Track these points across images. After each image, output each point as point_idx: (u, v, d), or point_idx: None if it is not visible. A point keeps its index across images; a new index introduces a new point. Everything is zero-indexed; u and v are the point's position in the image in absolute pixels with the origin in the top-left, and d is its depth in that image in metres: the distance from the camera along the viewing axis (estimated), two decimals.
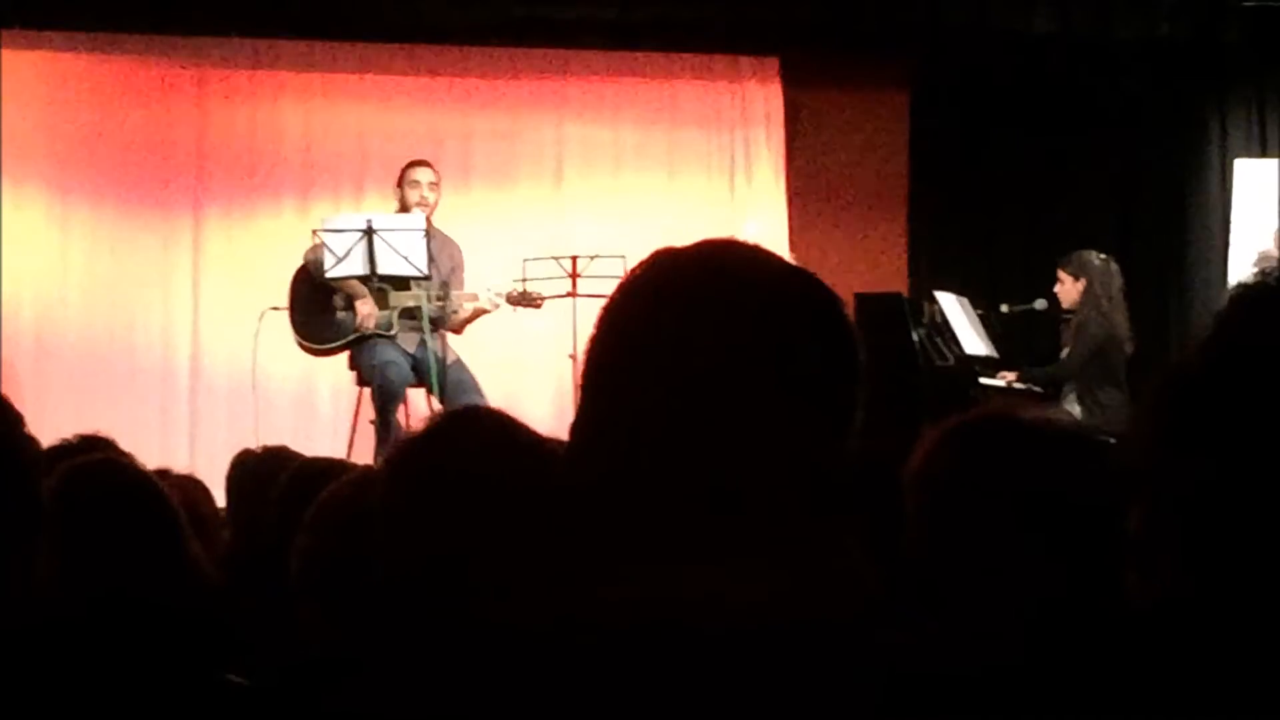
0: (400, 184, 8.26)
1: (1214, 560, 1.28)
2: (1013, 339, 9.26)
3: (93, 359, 9.40)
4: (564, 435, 1.39)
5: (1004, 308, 9.20)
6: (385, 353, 7.85)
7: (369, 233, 7.70)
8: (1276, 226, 9.81)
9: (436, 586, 1.79)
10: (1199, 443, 1.29)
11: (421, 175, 8.20)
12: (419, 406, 7.86)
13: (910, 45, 10.07)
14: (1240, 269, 9.54)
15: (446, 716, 1.28)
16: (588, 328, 1.37)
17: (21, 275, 9.25)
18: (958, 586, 2.00)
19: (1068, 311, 8.70)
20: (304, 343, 8.10)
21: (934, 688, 1.22)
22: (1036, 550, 1.97)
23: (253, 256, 9.45)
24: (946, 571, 2.01)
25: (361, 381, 8.03)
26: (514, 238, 9.11)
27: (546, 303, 8.07)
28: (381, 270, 7.72)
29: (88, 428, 3.60)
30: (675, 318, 1.30)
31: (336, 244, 7.74)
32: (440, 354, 7.87)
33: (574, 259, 8.24)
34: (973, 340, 8.79)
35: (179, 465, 4.75)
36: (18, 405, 2.14)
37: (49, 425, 3.92)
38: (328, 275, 7.79)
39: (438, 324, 7.92)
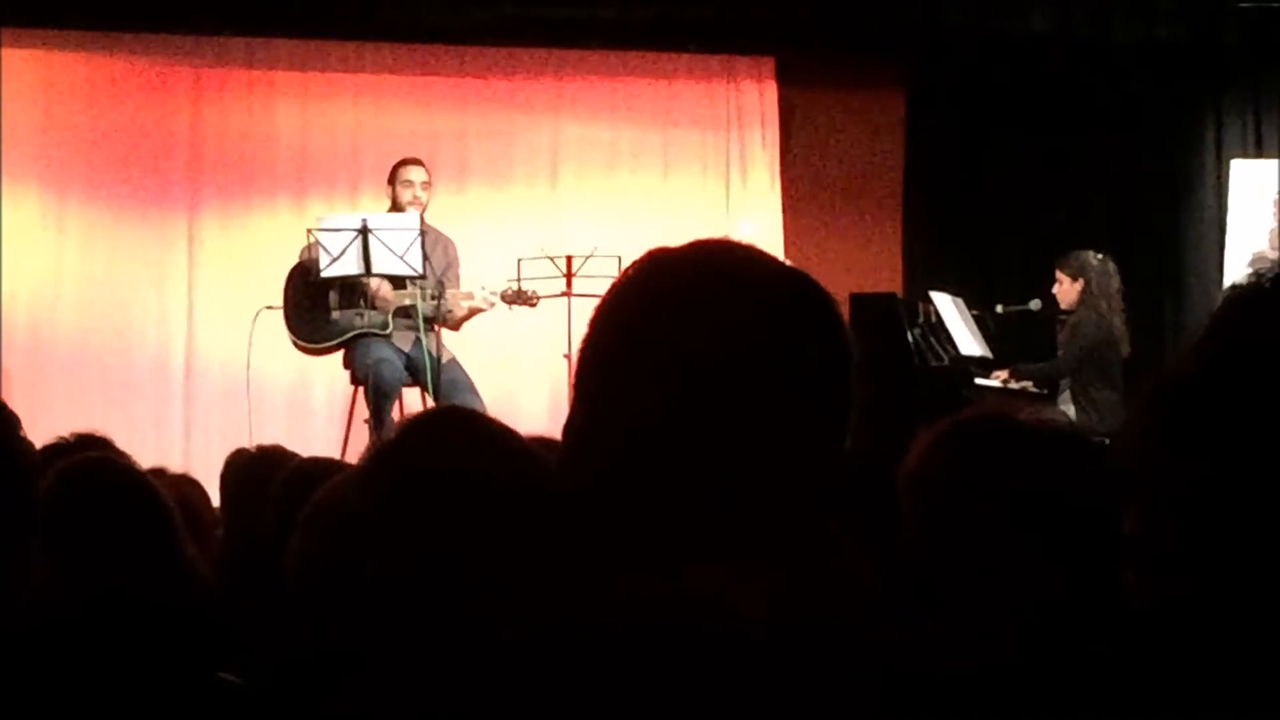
0: (391, 182, 8.25)
1: (1210, 560, 1.28)
2: (1008, 340, 9.26)
3: (88, 357, 9.39)
4: (558, 435, 1.39)
5: (999, 308, 9.21)
6: (379, 351, 7.85)
7: (364, 232, 7.70)
8: (1272, 227, 9.83)
9: (418, 588, 1.79)
10: (1194, 443, 1.29)
11: (414, 174, 8.20)
12: (414, 406, 7.85)
13: (907, 46, 10.07)
14: (1236, 269, 9.55)
15: (440, 714, 1.27)
16: (583, 327, 1.37)
17: (17, 274, 9.25)
18: (953, 586, 2.00)
19: (1064, 312, 8.71)
20: (298, 342, 8.09)
21: (931, 687, 1.22)
22: (1032, 550, 1.97)
23: (248, 255, 9.45)
24: (942, 571, 2.01)
25: (356, 380, 8.02)
26: (509, 237, 9.11)
27: (542, 302, 8.07)
28: (377, 270, 7.73)
29: (83, 426, 3.60)
30: (669, 317, 1.30)
31: (332, 243, 7.74)
32: (435, 353, 7.87)
33: (569, 259, 8.24)
34: (968, 341, 8.79)
35: (173, 464, 4.75)
36: (12, 404, 2.14)
37: (44, 424, 3.93)
38: (323, 274, 7.79)
39: (433, 322, 7.92)
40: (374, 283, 7.89)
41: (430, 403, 7.68)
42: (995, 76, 10.21)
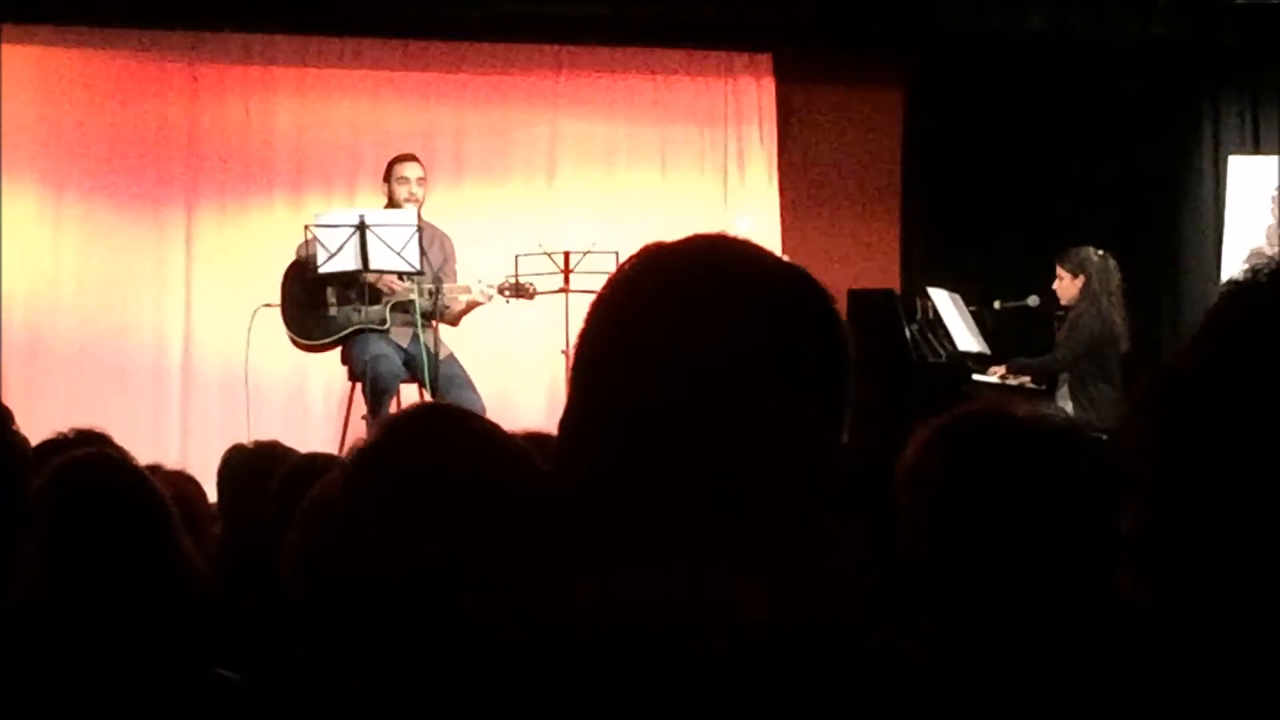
0: (388, 179, 8.26)
1: (1208, 558, 1.28)
2: (1005, 336, 9.27)
3: (85, 354, 9.39)
4: (555, 431, 1.38)
5: (997, 304, 9.21)
6: (377, 347, 7.85)
7: (362, 228, 7.70)
8: (1270, 223, 9.83)
9: (405, 585, 1.79)
10: (1191, 440, 1.29)
11: (409, 171, 8.20)
12: (412, 401, 7.85)
13: (905, 43, 10.08)
14: (1234, 266, 9.55)
15: (435, 713, 1.27)
16: (580, 323, 1.37)
17: (14, 270, 9.25)
18: (951, 583, 1.99)
19: (1063, 308, 8.71)
20: (296, 338, 8.09)
21: (929, 686, 1.22)
22: (1030, 547, 1.96)
23: (245, 252, 9.45)
24: (940, 568, 2.01)
25: (354, 376, 8.02)
26: (507, 233, 9.11)
27: (539, 298, 8.07)
28: (374, 265, 7.74)
29: (80, 423, 3.60)
30: (666, 312, 1.30)
31: (329, 239, 7.74)
32: (433, 348, 7.87)
33: (566, 255, 8.24)
34: (965, 337, 8.79)
35: (171, 460, 4.75)
36: (10, 401, 2.14)
37: (41, 420, 3.93)
38: (320, 270, 7.79)
39: (430, 317, 7.92)
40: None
41: (428, 398, 7.69)
42: (993, 74, 10.21)
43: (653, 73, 10.20)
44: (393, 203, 8.15)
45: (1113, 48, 9.77)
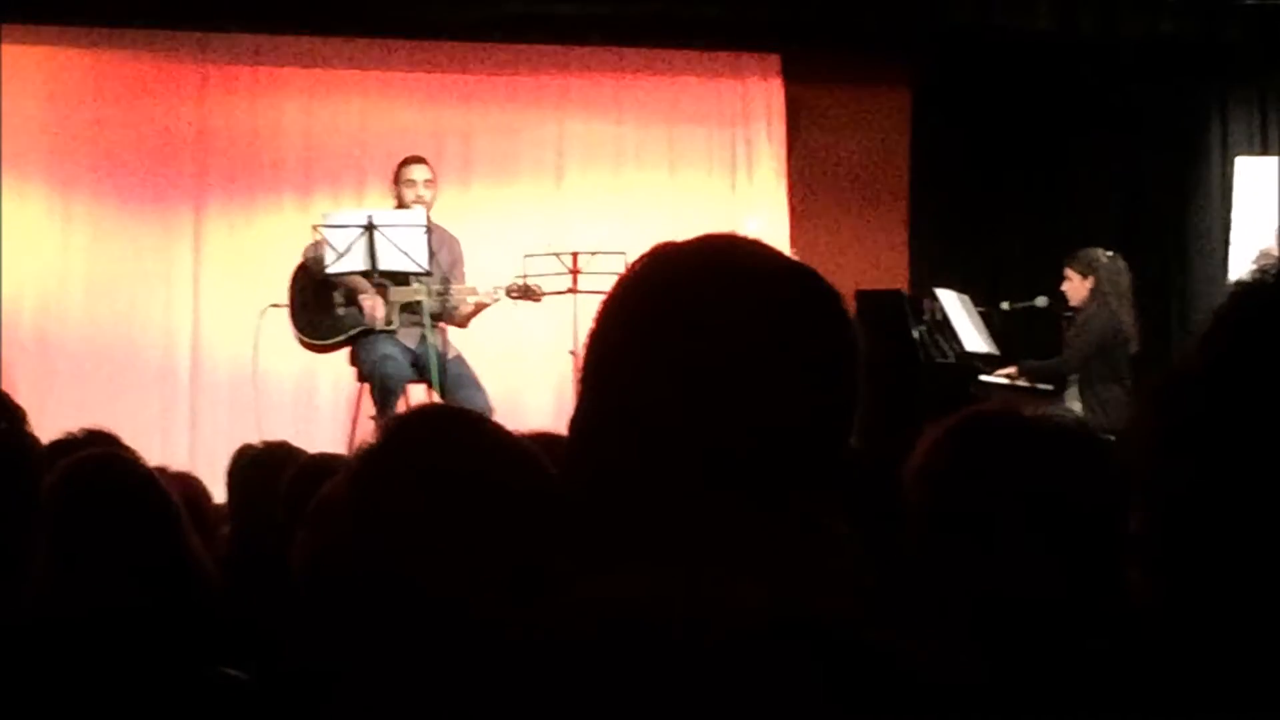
0: (396, 181, 8.26)
1: (1215, 559, 1.28)
2: (1014, 336, 9.26)
3: (93, 355, 9.40)
4: (563, 431, 1.39)
5: (1005, 305, 9.20)
6: (384, 348, 7.85)
7: (370, 228, 7.70)
8: (1277, 224, 9.81)
9: (410, 586, 1.79)
10: (1199, 441, 1.29)
11: (416, 173, 8.19)
12: (420, 402, 7.86)
13: (913, 43, 10.07)
14: (1241, 266, 9.54)
15: (441, 713, 1.28)
16: (588, 324, 1.37)
17: (22, 271, 9.26)
18: (957, 584, 1.99)
19: (1072, 309, 8.70)
20: (304, 339, 8.10)
21: (931, 687, 1.22)
22: (1037, 548, 1.96)
23: (254, 252, 9.46)
24: (946, 569, 2.01)
25: (362, 377, 8.03)
26: (515, 234, 9.11)
27: (547, 299, 8.07)
28: (383, 266, 7.73)
29: (89, 423, 3.60)
30: (676, 311, 1.30)
31: (338, 240, 7.74)
32: (441, 349, 7.87)
33: (575, 255, 8.23)
34: (973, 337, 8.79)
35: (179, 461, 4.76)
36: (18, 401, 2.14)
37: (50, 420, 3.94)
38: (329, 271, 7.79)
39: (439, 319, 7.92)
40: (368, 304, 7.85)
41: (436, 399, 7.69)
42: (1001, 74, 10.21)
43: (661, 73, 10.20)
44: (401, 205, 8.15)
45: (1120, 47, 9.77)
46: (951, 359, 8.51)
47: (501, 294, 7.96)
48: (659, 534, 1.26)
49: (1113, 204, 10.49)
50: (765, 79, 10.32)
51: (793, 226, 10.18)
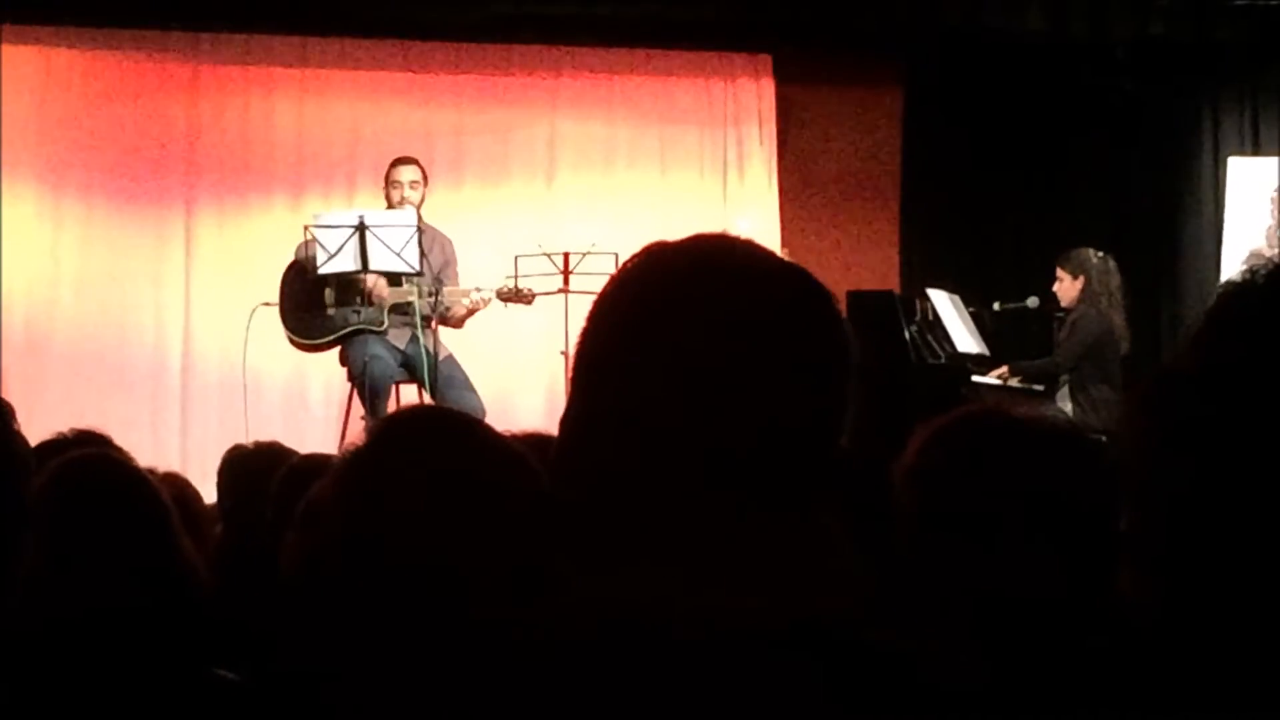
0: (386, 182, 8.25)
1: (1207, 558, 1.28)
2: (1005, 337, 9.27)
3: (84, 354, 9.39)
4: (554, 431, 1.39)
5: (996, 306, 9.21)
6: (372, 348, 7.84)
7: (361, 229, 7.70)
8: (1269, 224, 9.83)
9: (398, 588, 1.79)
10: (1190, 440, 1.29)
11: (403, 174, 8.18)
12: (412, 402, 7.85)
13: (904, 43, 10.08)
14: (1233, 267, 9.56)
15: (433, 714, 1.27)
16: (580, 324, 1.37)
17: (14, 270, 9.25)
18: (949, 584, 1.99)
19: (1062, 309, 8.71)
20: (294, 338, 8.09)
21: (926, 688, 1.22)
22: (1030, 548, 1.96)
23: (245, 252, 9.46)
24: (937, 569, 2.01)
25: (352, 377, 8.02)
26: (506, 234, 9.12)
27: (538, 299, 8.07)
28: (374, 266, 7.73)
29: (80, 423, 3.60)
30: (667, 311, 1.30)
31: (329, 240, 7.74)
32: (432, 350, 7.87)
33: (566, 256, 8.24)
34: (965, 338, 8.79)
35: (171, 460, 4.75)
36: (9, 400, 2.14)
37: (41, 420, 3.93)
38: (320, 271, 7.78)
39: (430, 320, 7.91)
40: (370, 279, 7.87)
41: (428, 400, 7.69)
42: (992, 74, 10.21)
43: (652, 74, 10.21)
44: (391, 206, 8.15)
45: (1112, 47, 9.77)
46: (943, 359, 8.52)
47: (493, 297, 7.95)
48: (657, 534, 1.25)
49: (1104, 204, 10.50)
50: (757, 79, 10.33)
51: (784, 227, 10.19)
